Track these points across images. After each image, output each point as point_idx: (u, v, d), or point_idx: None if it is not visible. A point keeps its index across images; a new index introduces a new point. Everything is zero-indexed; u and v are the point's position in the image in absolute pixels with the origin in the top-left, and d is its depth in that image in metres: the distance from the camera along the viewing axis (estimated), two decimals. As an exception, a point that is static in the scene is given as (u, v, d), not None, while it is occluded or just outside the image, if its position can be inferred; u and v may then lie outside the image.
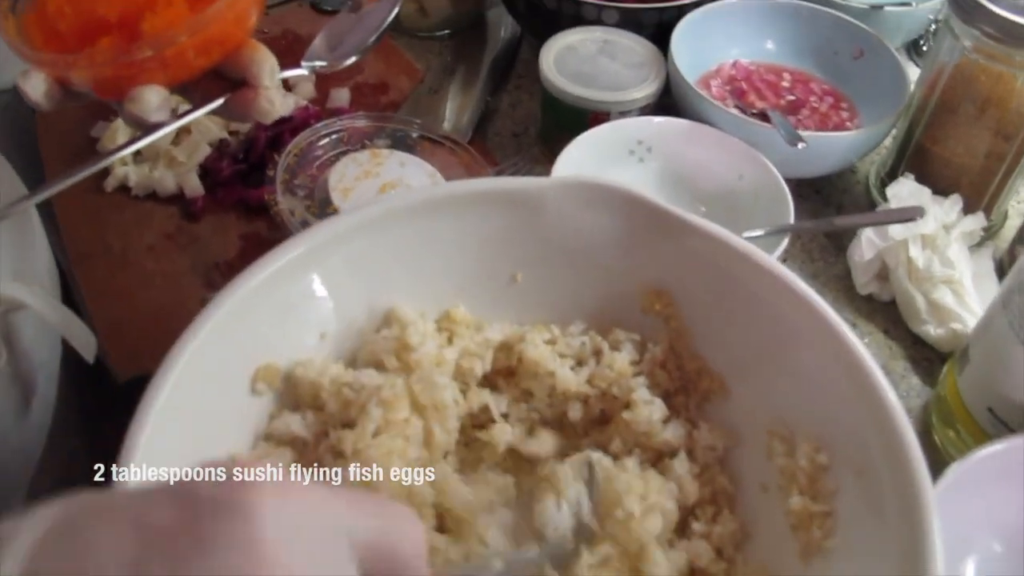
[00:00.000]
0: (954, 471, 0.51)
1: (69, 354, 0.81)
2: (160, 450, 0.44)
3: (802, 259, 0.78)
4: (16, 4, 0.49)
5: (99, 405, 0.89)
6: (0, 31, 0.48)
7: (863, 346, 0.48)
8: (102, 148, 0.84)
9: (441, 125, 0.85)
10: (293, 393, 0.54)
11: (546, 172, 0.81)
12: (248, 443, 0.52)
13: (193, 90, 0.52)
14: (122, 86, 0.48)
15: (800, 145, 0.72)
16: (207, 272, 0.75)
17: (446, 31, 1.01)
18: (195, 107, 0.52)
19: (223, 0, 0.47)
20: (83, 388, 0.83)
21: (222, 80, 0.52)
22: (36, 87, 0.48)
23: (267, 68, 0.50)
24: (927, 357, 0.70)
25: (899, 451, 0.45)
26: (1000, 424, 0.58)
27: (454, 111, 0.87)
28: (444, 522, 0.51)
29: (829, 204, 0.83)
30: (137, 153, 0.85)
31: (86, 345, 0.62)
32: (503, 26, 1.00)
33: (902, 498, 0.44)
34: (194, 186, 0.81)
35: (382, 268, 0.56)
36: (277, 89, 0.52)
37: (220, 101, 0.51)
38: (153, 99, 0.48)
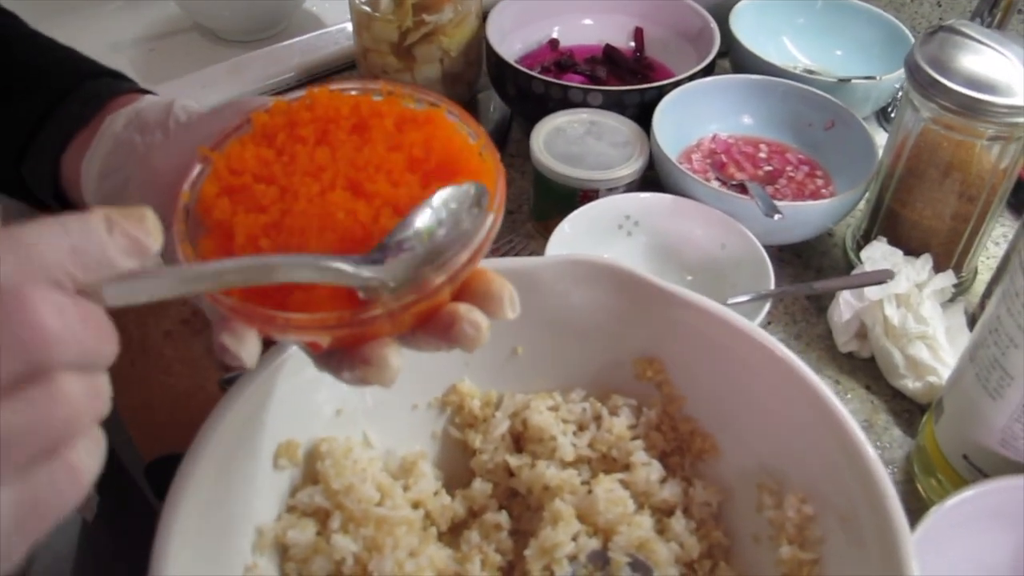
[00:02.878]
0: (932, 516, 0.55)
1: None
2: (194, 522, 0.48)
3: (786, 321, 0.82)
4: (188, 225, 0.39)
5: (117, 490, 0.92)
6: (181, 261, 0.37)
7: (839, 401, 0.53)
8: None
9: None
10: (313, 468, 0.57)
11: (540, 247, 0.86)
12: (274, 514, 0.55)
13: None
14: (345, 344, 0.38)
15: (777, 216, 0.77)
16: (223, 354, 0.79)
17: (440, 114, 1.06)
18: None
19: (484, 231, 0.37)
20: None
21: None
22: (250, 353, 0.37)
23: (507, 299, 0.40)
24: (907, 409, 0.74)
25: (878, 497, 0.48)
26: (975, 470, 0.62)
27: (450, 191, 0.92)
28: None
29: (809, 267, 0.88)
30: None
31: None
32: (492, 107, 1.06)
33: (883, 541, 0.47)
34: (208, 272, 0.85)
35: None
36: None
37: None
38: (397, 364, 0.38)
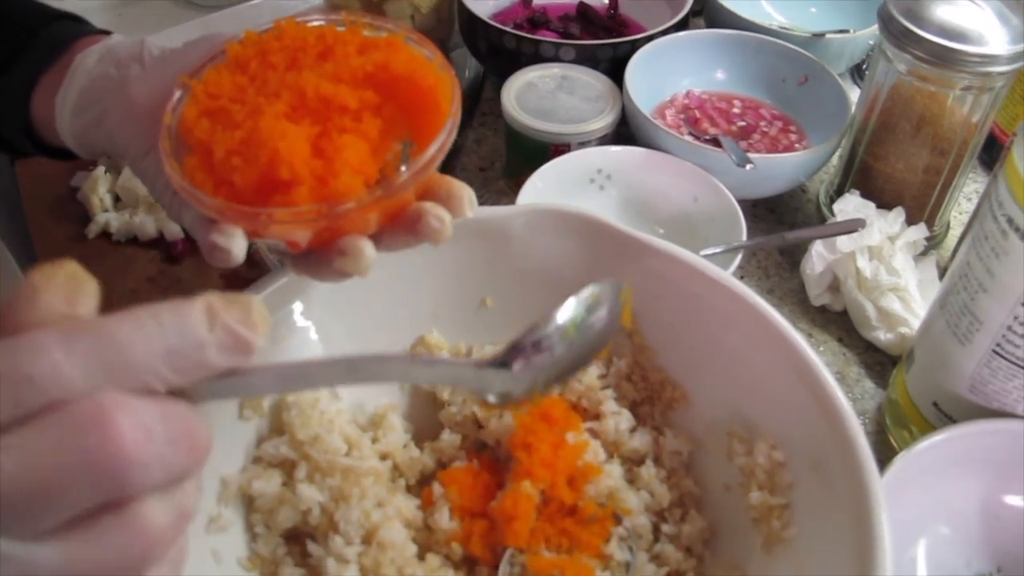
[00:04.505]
0: (900, 461, 0.55)
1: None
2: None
3: (759, 275, 0.82)
4: (171, 144, 0.42)
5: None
6: (170, 177, 0.40)
7: (810, 347, 0.52)
8: (83, 197, 0.87)
9: (410, 163, 0.89)
10: (279, 419, 0.57)
11: (512, 203, 0.85)
12: (239, 464, 0.55)
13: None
14: (323, 242, 0.42)
15: (749, 167, 0.76)
16: (190, 311, 0.78)
17: (411, 73, 1.05)
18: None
19: (444, 134, 0.41)
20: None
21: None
22: (240, 246, 0.39)
23: (467, 198, 0.44)
24: (879, 361, 0.74)
25: (847, 442, 0.48)
26: (945, 417, 0.62)
27: (422, 149, 0.91)
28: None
29: (783, 222, 0.87)
30: (117, 199, 0.88)
31: None
32: (467, 67, 1.04)
33: (851, 486, 0.47)
34: (174, 230, 0.84)
35: (359, 298, 0.59)
36: None
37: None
38: (371, 254, 0.41)
